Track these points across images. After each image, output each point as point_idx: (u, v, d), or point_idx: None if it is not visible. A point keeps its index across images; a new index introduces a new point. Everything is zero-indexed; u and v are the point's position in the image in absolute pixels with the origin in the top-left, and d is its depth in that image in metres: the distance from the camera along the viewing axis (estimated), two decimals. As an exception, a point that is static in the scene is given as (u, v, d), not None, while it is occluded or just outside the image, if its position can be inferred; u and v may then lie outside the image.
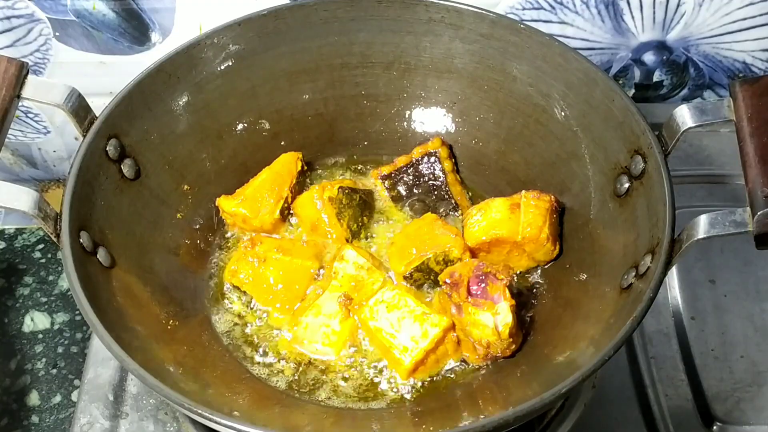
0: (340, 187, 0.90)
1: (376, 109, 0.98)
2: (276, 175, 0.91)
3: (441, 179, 0.94)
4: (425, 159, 0.94)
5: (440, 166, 0.94)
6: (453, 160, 0.96)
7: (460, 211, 0.93)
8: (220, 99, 0.92)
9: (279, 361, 0.84)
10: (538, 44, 0.89)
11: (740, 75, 1.14)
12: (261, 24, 0.91)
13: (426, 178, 0.94)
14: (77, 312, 1.16)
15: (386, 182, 0.95)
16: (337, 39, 0.94)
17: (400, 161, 0.95)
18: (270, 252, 0.87)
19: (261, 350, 0.84)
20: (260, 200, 0.90)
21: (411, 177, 0.95)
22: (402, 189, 0.95)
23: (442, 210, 0.93)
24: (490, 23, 0.90)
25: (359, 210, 0.91)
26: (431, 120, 0.98)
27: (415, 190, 0.94)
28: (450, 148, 0.96)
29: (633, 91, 1.17)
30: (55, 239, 0.74)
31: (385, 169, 0.95)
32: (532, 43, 0.89)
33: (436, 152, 0.94)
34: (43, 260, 1.22)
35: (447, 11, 0.91)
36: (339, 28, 0.93)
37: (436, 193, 0.94)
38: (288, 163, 0.93)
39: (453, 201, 0.94)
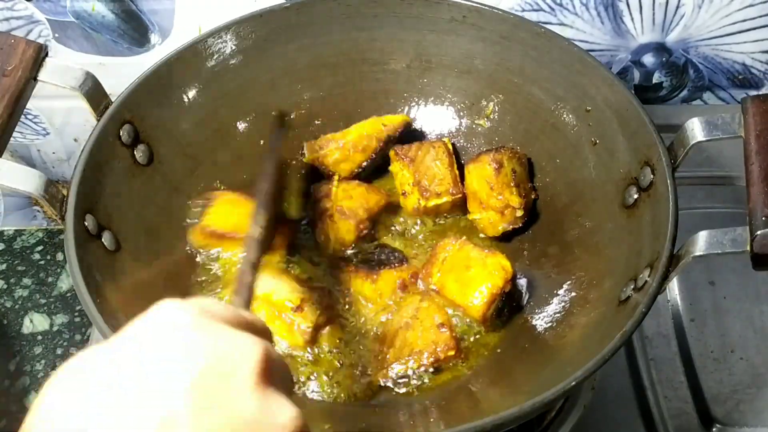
0: None
1: (394, 106, 0.97)
2: None
3: None
4: None
5: None
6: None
7: None
8: (237, 89, 0.92)
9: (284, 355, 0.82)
10: (558, 48, 0.88)
11: (740, 76, 1.14)
12: (283, 16, 0.91)
13: None
14: (76, 313, 1.16)
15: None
16: (358, 34, 0.94)
17: None
18: None
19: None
20: None
21: None
22: None
23: None
24: (512, 25, 0.90)
25: None
26: (448, 119, 0.97)
27: None
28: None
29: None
30: (60, 221, 0.74)
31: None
32: (552, 47, 0.88)
33: None
34: (42, 262, 1.22)
35: (469, 11, 0.91)
36: (361, 23, 0.93)
37: None
38: None
39: None
